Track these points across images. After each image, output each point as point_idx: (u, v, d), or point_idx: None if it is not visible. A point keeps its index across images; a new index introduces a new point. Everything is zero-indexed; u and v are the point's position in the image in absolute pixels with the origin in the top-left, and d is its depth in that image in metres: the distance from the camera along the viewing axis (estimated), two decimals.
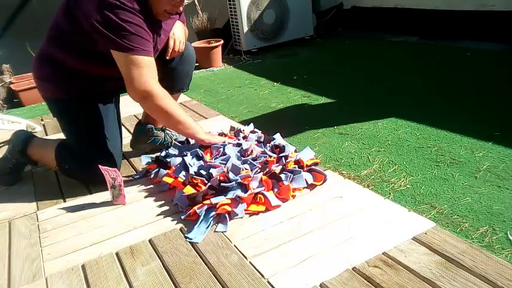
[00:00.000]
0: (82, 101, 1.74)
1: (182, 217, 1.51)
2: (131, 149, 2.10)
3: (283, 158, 1.71)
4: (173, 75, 1.91)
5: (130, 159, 2.04)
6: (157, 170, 1.79)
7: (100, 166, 1.60)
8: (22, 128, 2.46)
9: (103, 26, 1.50)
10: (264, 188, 1.57)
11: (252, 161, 1.69)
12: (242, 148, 1.78)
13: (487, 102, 2.39)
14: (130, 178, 1.86)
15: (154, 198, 1.68)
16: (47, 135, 2.57)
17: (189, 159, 1.75)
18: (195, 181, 1.60)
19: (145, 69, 1.57)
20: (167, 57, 1.83)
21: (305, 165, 1.68)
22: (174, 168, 1.74)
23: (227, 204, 1.48)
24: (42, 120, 2.86)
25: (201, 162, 1.72)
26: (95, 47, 1.59)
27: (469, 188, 1.64)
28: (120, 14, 1.49)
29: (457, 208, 1.52)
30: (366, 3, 4.58)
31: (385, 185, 1.72)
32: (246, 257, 1.28)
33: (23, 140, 1.86)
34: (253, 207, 1.51)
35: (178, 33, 1.84)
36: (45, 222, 1.60)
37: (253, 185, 1.57)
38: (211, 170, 1.63)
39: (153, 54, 1.62)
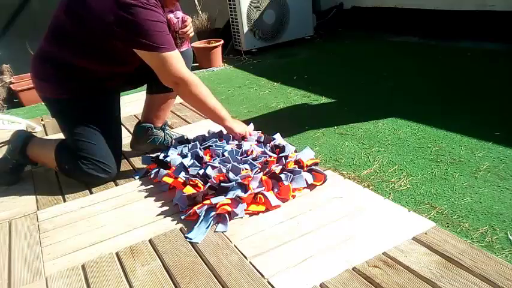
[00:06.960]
0: (81, 101, 1.74)
1: (182, 217, 1.51)
2: (131, 149, 2.10)
3: (283, 158, 1.71)
4: None
5: (130, 159, 2.04)
6: (157, 170, 1.79)
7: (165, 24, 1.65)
8: (22, 128, 2.46)
9: (126, 28, 1.52)
10: (264, 188, 1.56)
11: (252, 161, 1.69)
12: (243, 150, 1.78)
13: (487, 102, 2.39)
14: (131, 178, 1.86)
15: (154, 198, 1.68)
16: (47, 135, 2.56)
17: (187, 160, 1.75)
18: (194, 182, 1.60)
19: (174, 60, 1.63)
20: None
21: (305, 165, 1.68)
22: (174, 168, 1.74)
23: (227, 204, 1.48)
24: (42, 120, 2.86)
25: (201, 163, 1.72)
26: (101, 45, 1.59)
27: (469, 188, 1.63)
28: (142, 14, 1.51)
29: (457, 208, 1.52)
30: (366, 3, 4.58)
31: (385, 185, 1.72)
32: (246, 257, 1.28)
33: (23, 140, 1.86)
34: (253, 207, 1.51)
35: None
36: (45, 222, 1.60)
37: (253, 185, 1.56)
38: (210, 171, 1.63)
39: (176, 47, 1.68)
